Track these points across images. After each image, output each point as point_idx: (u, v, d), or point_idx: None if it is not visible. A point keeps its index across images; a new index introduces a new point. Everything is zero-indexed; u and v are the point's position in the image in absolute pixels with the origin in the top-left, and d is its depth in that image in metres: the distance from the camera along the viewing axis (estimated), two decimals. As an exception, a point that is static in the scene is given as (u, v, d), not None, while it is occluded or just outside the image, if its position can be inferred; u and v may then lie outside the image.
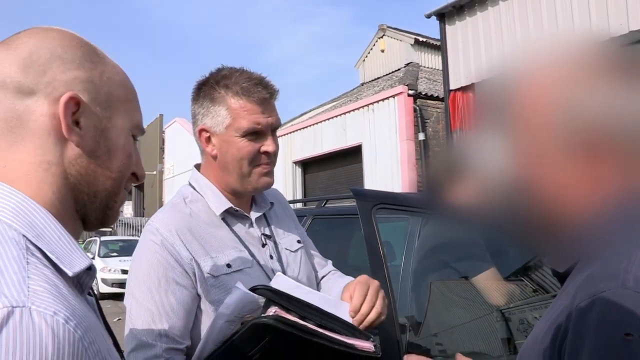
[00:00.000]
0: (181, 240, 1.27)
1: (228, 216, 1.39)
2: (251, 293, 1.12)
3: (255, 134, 1.33)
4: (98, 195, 0.75)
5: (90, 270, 0.70)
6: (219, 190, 1.39)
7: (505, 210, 0.81)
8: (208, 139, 1.37)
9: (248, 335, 1.07)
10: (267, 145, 1.34)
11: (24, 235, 0.63)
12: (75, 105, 0.70)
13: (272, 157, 1.37)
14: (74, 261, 0.67)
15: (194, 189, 1.42)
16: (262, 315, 1.09)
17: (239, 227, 1.40)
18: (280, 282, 1.22)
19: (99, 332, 0.65)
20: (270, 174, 1.39)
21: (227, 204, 1.38)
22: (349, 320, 1.24)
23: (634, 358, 0.51)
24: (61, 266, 0.64)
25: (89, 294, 0.77)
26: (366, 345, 1.15)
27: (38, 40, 0.70)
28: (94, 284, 0.76)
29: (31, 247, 0.62)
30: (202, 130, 1.37)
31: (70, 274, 0.65)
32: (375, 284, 1.33)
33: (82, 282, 0.71)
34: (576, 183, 0.68)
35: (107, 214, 0.78)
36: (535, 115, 0.72)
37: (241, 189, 1.39)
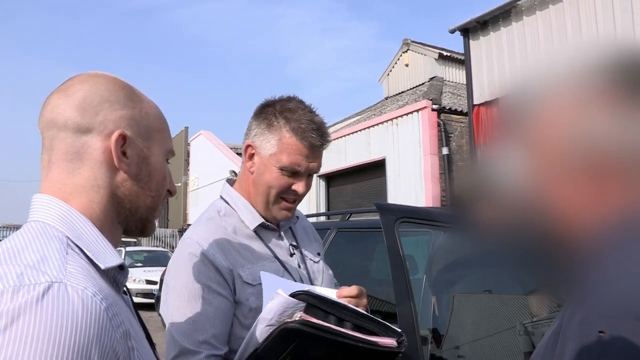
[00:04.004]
0: (220, 251, 1.35)
1: (260, 229, 1.47)
2: (292, 298, 1.18)
3: (293, 172, 1.40)
4: (139, 210, 0.90)
5: (123, 269, 0.84)
6: (251, 205, 1.47)
7: (522, 227, 0.85)
8: (252, 156, 1.45)
9: (278, 340, 1.14)
10: (299, 186, 1.42)
11: (66, 236, 0.77)
12: (122, 140, 0.85)
13: (299, 196, 1.45)
14: (107, 259, 0.80)
15: (227, 203, 1.50)
16: (288, 320, 1.16)
17: (270, 239, 1.49)
18: (317, 289, 1.28)
19: (125, 312, 0.78)
20: (292, 210, 1.48)
21: (259, 219, 1.46)
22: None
23: (605, 350, 0.60)
24: (95, 260, 0.78)
25: (125, 293, 0.90)
26: (388, 341, 1.21)
27: (89, 86, 0.85)
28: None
29: (71, 244, 0.77)
30: (249, 146, 1.45)
31: (102, 267, 0.78)
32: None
33: (117, 280, 0.83)
34: (584, 200, 0.73)
35: (147, 225, 0.93)
36: (550, 135, 0.77)
37: (263, 214, 1.47)
